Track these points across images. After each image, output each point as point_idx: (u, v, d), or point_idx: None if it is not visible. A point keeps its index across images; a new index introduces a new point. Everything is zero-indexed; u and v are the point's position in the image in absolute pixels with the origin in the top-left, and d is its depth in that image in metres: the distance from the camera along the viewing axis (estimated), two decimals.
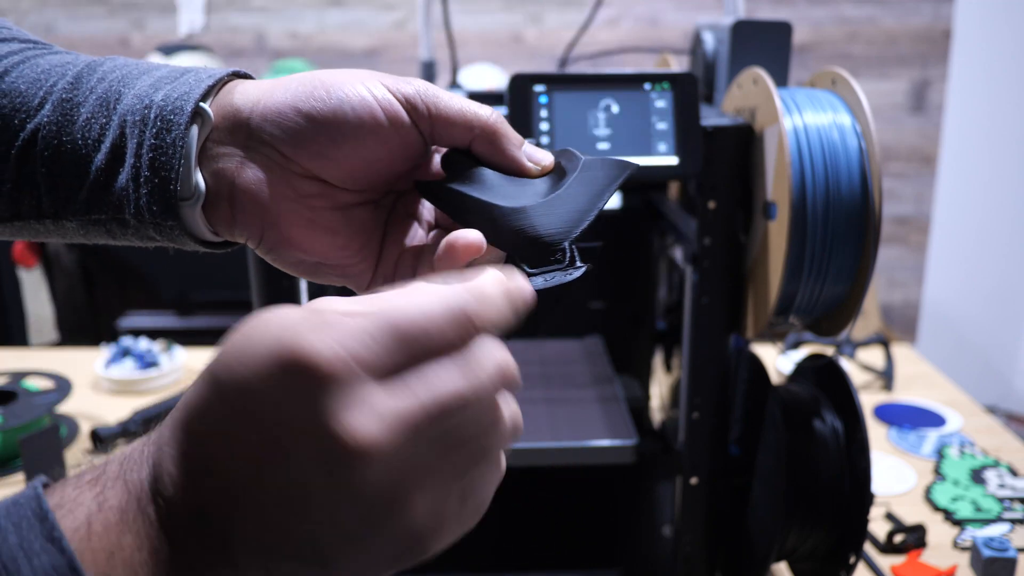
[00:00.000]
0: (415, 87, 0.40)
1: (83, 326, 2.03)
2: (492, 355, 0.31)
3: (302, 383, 0.28)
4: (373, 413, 0.28)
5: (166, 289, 2.01)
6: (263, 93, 0.40)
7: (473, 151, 0.42)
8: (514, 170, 0.42)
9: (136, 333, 1.49)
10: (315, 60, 2.65)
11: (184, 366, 1.34)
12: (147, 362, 1.30)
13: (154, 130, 0.40)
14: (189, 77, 0.41)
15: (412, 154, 0.42)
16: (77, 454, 1.09)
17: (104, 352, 1.33)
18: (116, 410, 1.19)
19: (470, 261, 0.39)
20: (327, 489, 0.28)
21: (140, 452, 0.31)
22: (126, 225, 0.41)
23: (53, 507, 0.28)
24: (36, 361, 1.37)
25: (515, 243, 0.40)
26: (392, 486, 0.29)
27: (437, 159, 0.44)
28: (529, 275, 0.39)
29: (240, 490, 0.29)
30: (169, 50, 2.25)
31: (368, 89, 0.40)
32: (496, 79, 2.28)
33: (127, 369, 1.28)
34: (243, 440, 0.29)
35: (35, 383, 1.13)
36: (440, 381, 0.30)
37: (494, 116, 0.42)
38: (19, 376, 1.14)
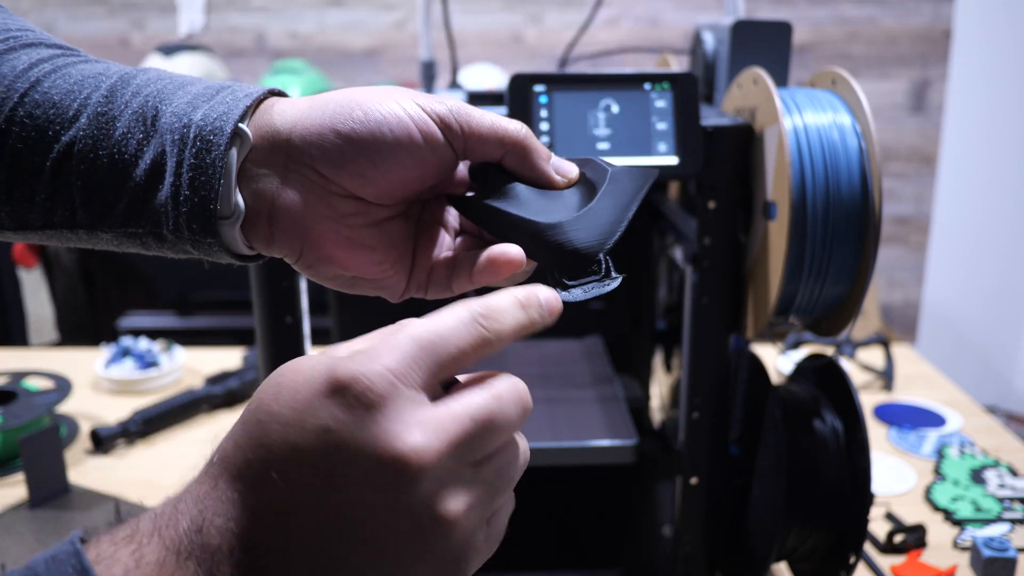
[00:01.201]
0: (447, 105, 0.42)
1: (83, 326, 2.03)
2: (517, 389, 0.33)
3: (349, 404, 0.29)
4: (420, 426, 0.30)
5: (166, 289, 2.01)
6: (300, 114, 0.41)
7: (504, 165, 0.44)
8: (543, 183, 0.44)
9: (136, 333, 1.49)
10: (315, 60, 2.65)
11: (184, 366, 1.34)
12: (147, 362, 1.30)
13: (193, 150, 0.40)
14: (226, 96, 0.42)
15: (444, 169, 0.43)
16: (77, 454, 1.09)
17: (104, 352, 1.33)
18: (116, 410, 1.19)
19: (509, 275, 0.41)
20: (384, 507, 0.29)
21: (174, 508, 0.31)
22: (163, 239, 0.42)
23: (91, 562, 0.29)
24: (36, 361, 1.37)
25: (554, 257, 0.41)
26: (437, 501, 0.30)
27: (462, 168, 0.45)
28: (568, 287, 0.40)
29: (298, 527, 0.30)
30: (169, 50, 2.25)
31: (403, 108, 0.41)
32: (496, 79, 2.28)
33: (127, 369, 1.28)
34: (297, 474, 0.30)
35: (35, 383, 1.13)
36: (472, 398, 0.32)
37: (524, 132, 0.43)
38: (19, 376, 1.14)
